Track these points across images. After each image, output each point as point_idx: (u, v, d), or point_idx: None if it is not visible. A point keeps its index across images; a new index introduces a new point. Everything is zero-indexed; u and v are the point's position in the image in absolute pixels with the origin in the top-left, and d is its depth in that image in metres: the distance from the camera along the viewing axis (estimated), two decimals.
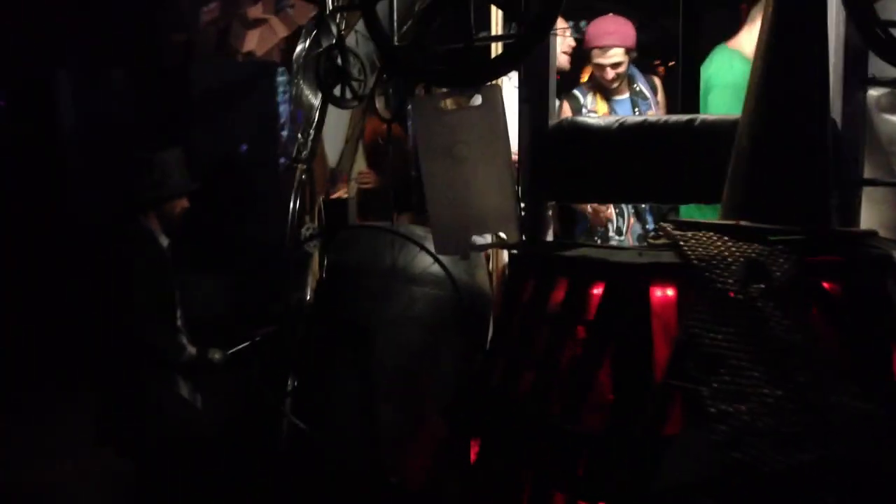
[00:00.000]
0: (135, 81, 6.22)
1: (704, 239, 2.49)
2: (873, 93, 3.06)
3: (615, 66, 4.67)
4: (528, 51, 2.92)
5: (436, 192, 3.07)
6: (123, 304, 4.11)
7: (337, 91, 3.50)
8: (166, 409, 4.11)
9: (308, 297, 3.92)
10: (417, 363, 3.32)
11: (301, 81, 4.06)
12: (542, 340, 2.74)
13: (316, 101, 4.12)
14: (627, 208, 4.67)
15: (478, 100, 3.20)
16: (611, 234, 4.69)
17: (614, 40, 4.62)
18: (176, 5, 6.44)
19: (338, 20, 3.45)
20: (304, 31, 3.89)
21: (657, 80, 5.09)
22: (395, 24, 3.32)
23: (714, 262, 2.37)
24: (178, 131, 5.77)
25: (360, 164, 5.53)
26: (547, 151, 3.04)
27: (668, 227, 2.65)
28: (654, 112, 4.87)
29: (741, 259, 2.38)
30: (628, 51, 4.70)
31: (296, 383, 3.55)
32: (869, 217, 3.08)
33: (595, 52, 4.67)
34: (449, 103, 3.03)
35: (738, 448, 1.92)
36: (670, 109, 5.12)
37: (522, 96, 3.13)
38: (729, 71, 3.96)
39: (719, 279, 2.33)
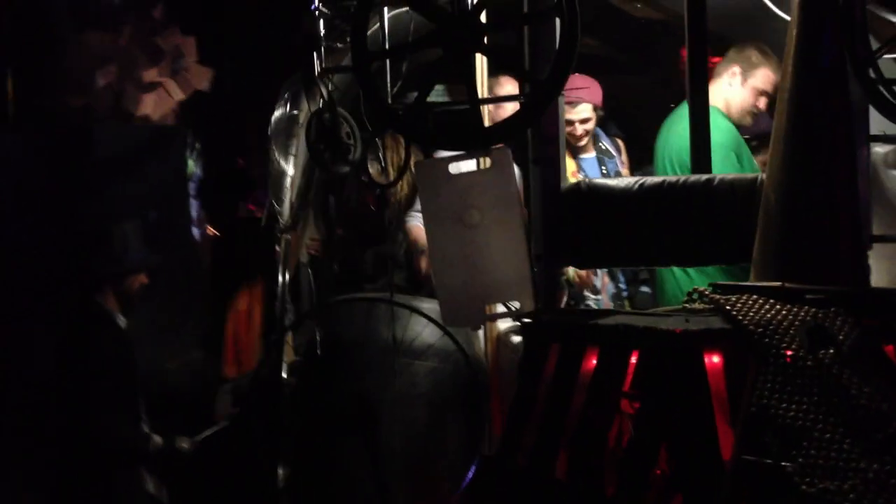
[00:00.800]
0: (33, 146, 5.79)
1: (751, 302, 2.39)
2: (880, 150, 3.07)
3: (584, 121, 4.65)
4: (541, 111, 2.82)
5: (444, 260, 2.88)
6: (81, 394, 3.77)
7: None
8: None
9: (284, 376, 3.68)
10: (425, 442, 3.11)
11: (273, 147, 3.85)
12: (575, 415, 2.58)
13: (288, 167, 3.91)
14: None
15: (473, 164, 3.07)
16: (586, 292, 4.59)
17: (583, 96, 4.59)
18: (73, 68, 6.08)
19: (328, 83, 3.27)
20: (281, 95, 3.69)
21: (620, 141, 5.08)
22: (389, 85, 3.19)
23: (771, 326, 2.27)
24: (80, 200, 5.41)
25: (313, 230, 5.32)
26: (562, 214, 2.92)
27: (707, 290, 2.55)
28: (621, 171, 4.85)
29: (797, 323, 2.28)
30: (596, 108, 4.69)
31: (285, 471, 3.26)
32: (878, 273, 3.06)
33: (564, 108, 4.63)
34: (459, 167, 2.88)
35: None
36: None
37: (533, 157, 3.01)
38: (715, 129, 3.92)
39: (780, 345, 2.22)
